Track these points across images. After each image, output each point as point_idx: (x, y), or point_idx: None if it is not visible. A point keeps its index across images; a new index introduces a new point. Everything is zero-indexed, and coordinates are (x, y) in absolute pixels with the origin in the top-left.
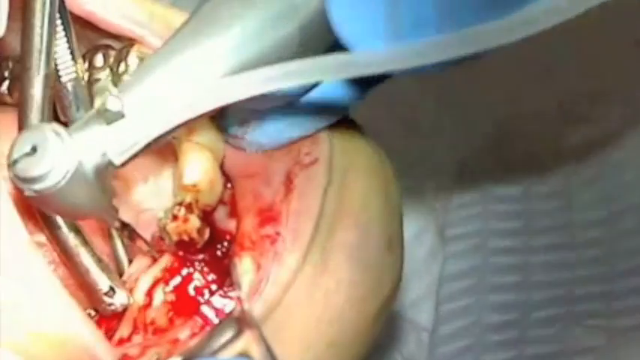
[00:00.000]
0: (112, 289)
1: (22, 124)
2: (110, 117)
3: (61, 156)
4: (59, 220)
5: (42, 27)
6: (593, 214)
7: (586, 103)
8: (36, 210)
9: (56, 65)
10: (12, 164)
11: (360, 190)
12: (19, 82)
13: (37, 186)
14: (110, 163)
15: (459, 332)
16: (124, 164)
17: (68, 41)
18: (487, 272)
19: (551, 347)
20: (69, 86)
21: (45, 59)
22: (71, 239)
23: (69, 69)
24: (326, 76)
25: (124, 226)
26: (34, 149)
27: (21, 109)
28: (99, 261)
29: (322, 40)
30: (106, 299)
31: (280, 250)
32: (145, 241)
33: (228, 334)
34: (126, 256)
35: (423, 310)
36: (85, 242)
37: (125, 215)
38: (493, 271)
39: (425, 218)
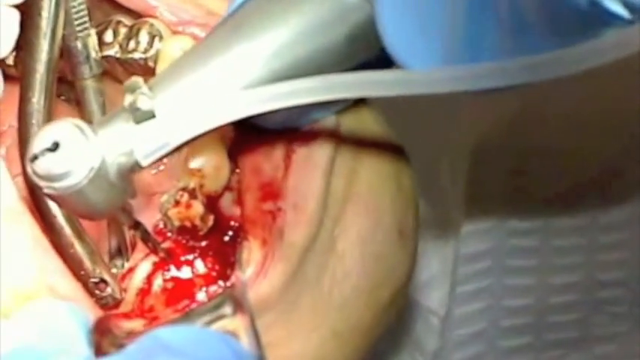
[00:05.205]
0: (103, 281)
1: (23, 98)
2: (140, 116)
3: (84, 154)
4: (55, 209)
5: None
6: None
7: None
8: (30, 199)
9: (72, 21)
10: (31, 160)
11: (371, 177)
12: (24, 54)
13: (58, 184)
14: (136, 164)
15: (474, 315)
16: (149, 166)
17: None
18: (504, 255)
19: (571, 333)
20: (79, 44)
21: (50, 34)
22: (66, 230)
23: (84, 24)
24: (379, 93)
25: (137, 225)
26: (55, 145)
27: (23, 82)
28: (92, 253)
29: (366, 52)
30: (97, 292)
31: (283, 225)
32: (156, 242)
33: (222, 311)
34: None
35: (433, 294)
36: (80, 233)
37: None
38: (510, 253)
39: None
